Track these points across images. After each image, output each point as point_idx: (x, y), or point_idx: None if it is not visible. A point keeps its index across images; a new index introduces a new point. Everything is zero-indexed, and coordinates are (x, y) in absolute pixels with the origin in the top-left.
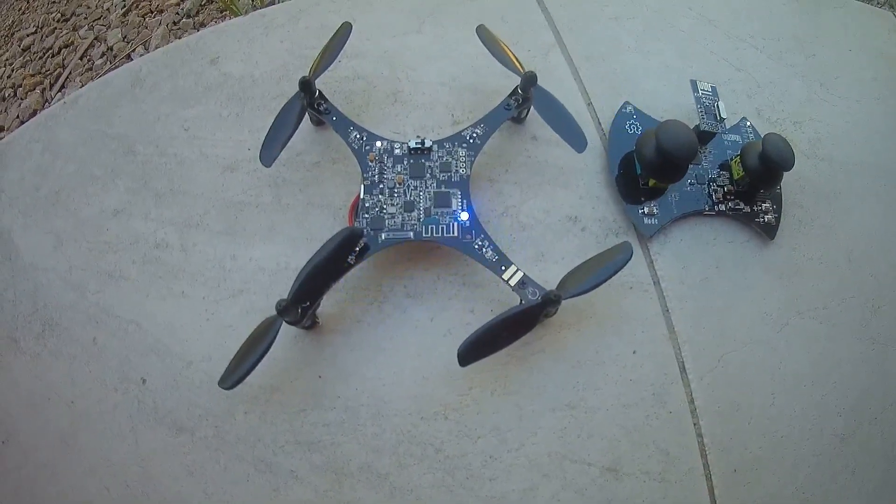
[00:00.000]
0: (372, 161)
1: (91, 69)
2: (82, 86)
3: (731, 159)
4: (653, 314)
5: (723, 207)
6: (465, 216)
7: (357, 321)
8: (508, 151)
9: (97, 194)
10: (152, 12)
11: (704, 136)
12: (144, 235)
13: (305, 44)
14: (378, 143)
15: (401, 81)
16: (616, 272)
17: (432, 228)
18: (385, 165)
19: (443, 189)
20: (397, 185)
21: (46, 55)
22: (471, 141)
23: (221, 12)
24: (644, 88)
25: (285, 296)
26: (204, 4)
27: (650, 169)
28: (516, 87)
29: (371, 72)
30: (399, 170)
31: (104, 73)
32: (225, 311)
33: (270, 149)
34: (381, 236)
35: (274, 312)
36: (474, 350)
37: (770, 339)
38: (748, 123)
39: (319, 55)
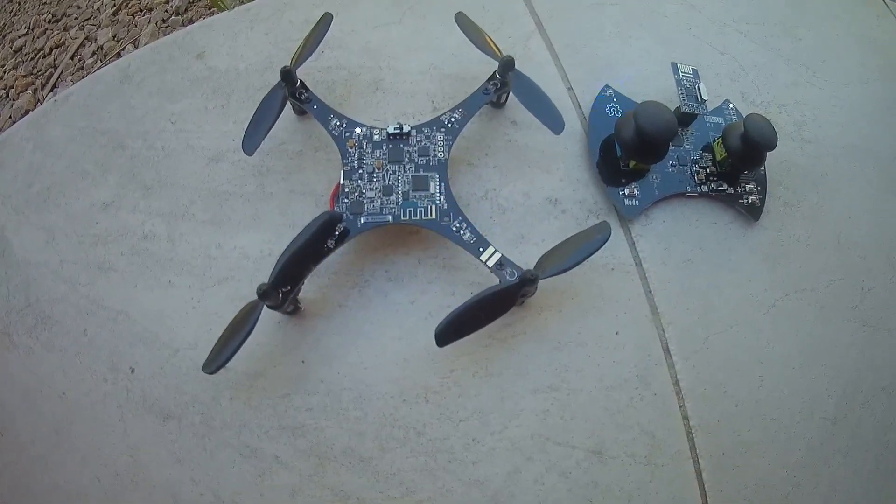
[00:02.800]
0: (352, 147)
1: (82, 68)
2: (73, 85)
3: (714, 141)
4: (635, 295)
5: (705, 189)
6: (442, 199)
7: (339, 305)
8: (488, 136)
9: (87, 189)
10: (141, 10)
11: (686, 118)
12: (133, 227)
13: (289, 36)
14: (357, 130)
15: (382, 71)
16: (594, 252)
17: (410, 212)
18: (364, 151)
19: (421, 173)
20: (376, 170)
21: (38, 56)
22: (449, 125)
23: (209, 9)
24: (625, 73)
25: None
26: (192, 1)
27: (630, 150)
28: (494, 72)
29: (353, 62)
30: (378, 155)
31: (95, 72)
32: (210, 298)
33: (253, 137)
34: (360, 220)
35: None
36: (452, 330)
37: (756, 321)
38: (731, 106)
39: (301, 45)
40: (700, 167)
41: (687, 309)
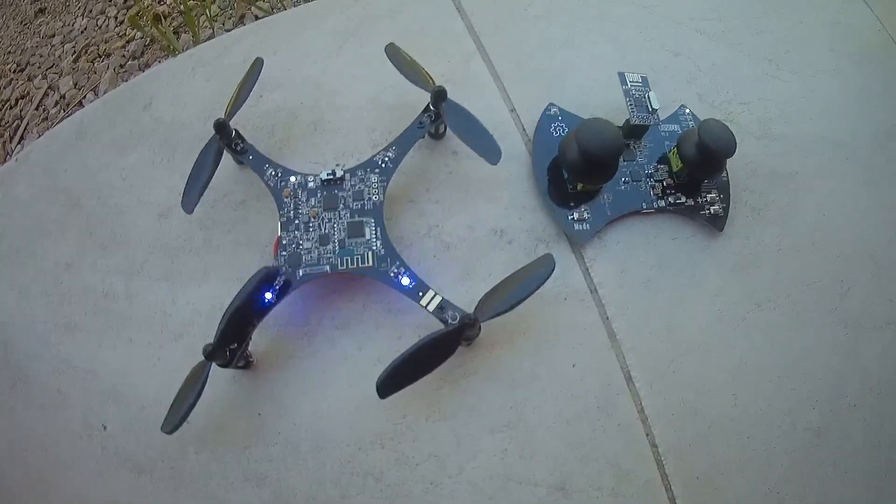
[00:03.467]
0: (287, 197)
1: (47, 118)
2: (39, 136)
3: (670, 151)
4: (591, 323)
5: (663, 203)
6: (379, 244)
7: (289, 357)
8: (429, 169)
9: (51, 248)
10: (100, 57)
11: (636, 131)
12: (93, 286)
13: (229, 80)
14: (292, 178)
15: (321, 109)
16: (537, 287)
17: (347, 260)
18: (300, 200)
19: (356, 218)
20: (312, 220)
21: (5, 107)
22: (383, 165)
23: (164, 52)
24: (573, 85)
25: None
26: (148, 45)
27: (575, 173)
28: (428, 104)
29: (292, 102)
30: (313, 203)
31: (58, 122)
32: (169, 355)
33: (191, 195)
34: (298, 272)
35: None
36: (393, 381)
37: (727, 337)
38: (687, 111)
39: (234, 94)
40: (656, 181)
41: (649, 332)
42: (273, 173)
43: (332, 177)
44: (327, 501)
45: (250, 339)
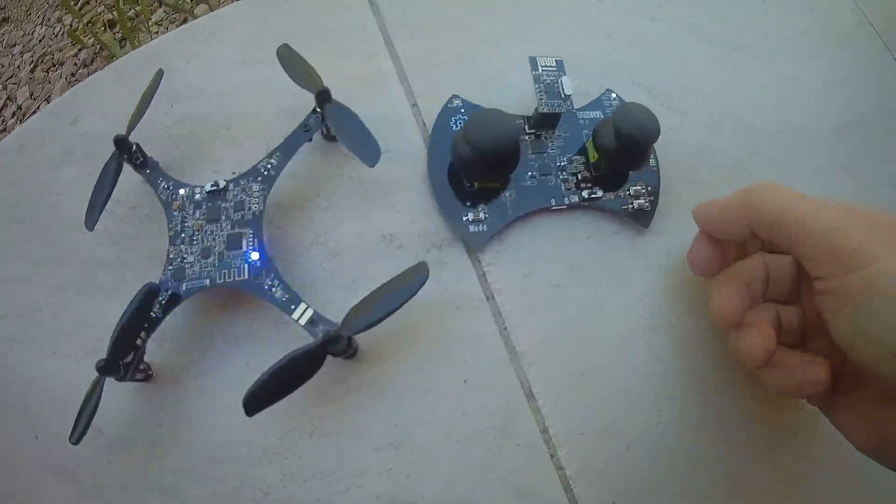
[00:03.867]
0: (176, 210)
1: (5, 129)
2: None
3: (588, 141)
4: (487, 335)
5: (576, 199)
6: (255, 256)
7: (185, 369)
8: (321, 173)
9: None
10: (54, 66)
11: (547, 119)
12: (27, 300)
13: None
14: (181, 191)
15: (225, 117)
16: (409, 298)
17: (226, 273)
18: (187, 213)
19: (235, 230)
20: (196, 232)
21: None
22: (265, 173)
23: (111, 59)
24: (488, 76)
25: None
26: (97, 52)
27: (469, 170)
28: (314, 107)
29: (198, 111)
30: (198, 216)
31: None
32: (88, 367)
33: (92, 212)
34: (182, 287)
35: None
36: (258, 399)
37: (652, 346)
38: (613, 95)
39: (136, 108)
40: (570, 174)
41: (556, 343)
42: (165, 186)
43: (215, 188)
44: None
45: (143, 352)
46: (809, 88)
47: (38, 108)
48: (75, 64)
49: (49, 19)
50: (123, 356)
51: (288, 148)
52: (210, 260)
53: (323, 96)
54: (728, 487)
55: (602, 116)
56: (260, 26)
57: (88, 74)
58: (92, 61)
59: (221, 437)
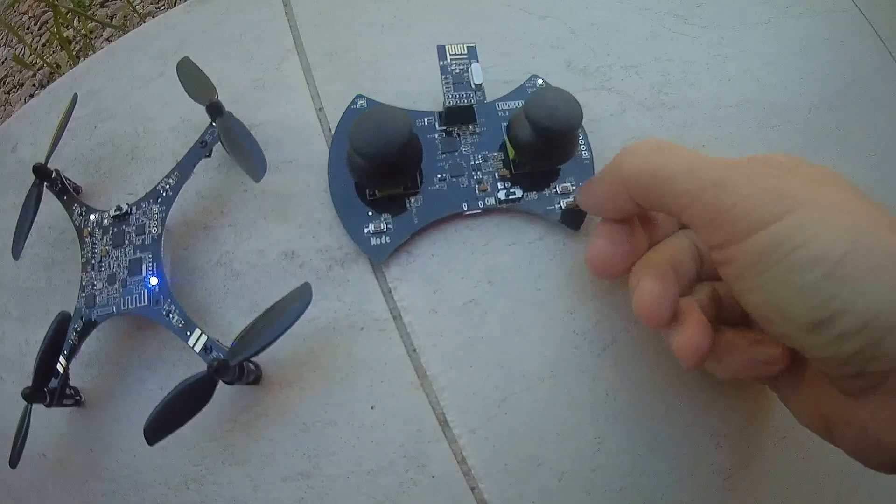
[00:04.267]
0: (87, 236)
1: None
2: None
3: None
4: (394, 357)
5: (492, 202)
6: (154, 280)
7: (109, 394)
8: (226, 190)
9: None
10: (15, 87)
11: (458, 114)
12: None
13: (75, 115)
14: (91, 217)
15: (139, 136)
16: (292, 323)
17: (128, 300)
18: (96, 239)
19: (136, 255)
20: (103, 258)
21: None
22: (164, 194)
23: None
24: (398, 72)
25: None
26: (52, 72)
27: (364, 177)
28: (210, 121)
29: (118, 131)
30: (105, 241)
31: None
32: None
33: (16, 241)
34: (93, 314)
35: None
36: (157, 429)
37: (584, 366)
38: (539, 81)
39: (53, 135)
40: (485, 174)
41: (472, 366)
42: (79, 213)
43: (119, 212)
44: None
45: (67, 378)
46: (768, 58)
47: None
48: (33, 85)
49: (11, 40)
50: (47, 383)
51: (185, 166)
52: (115, 286)
53: (214, 109)
54: None
55: None
56: (180, 39)
57: None
58: (48, 82)
59: (142, 463)
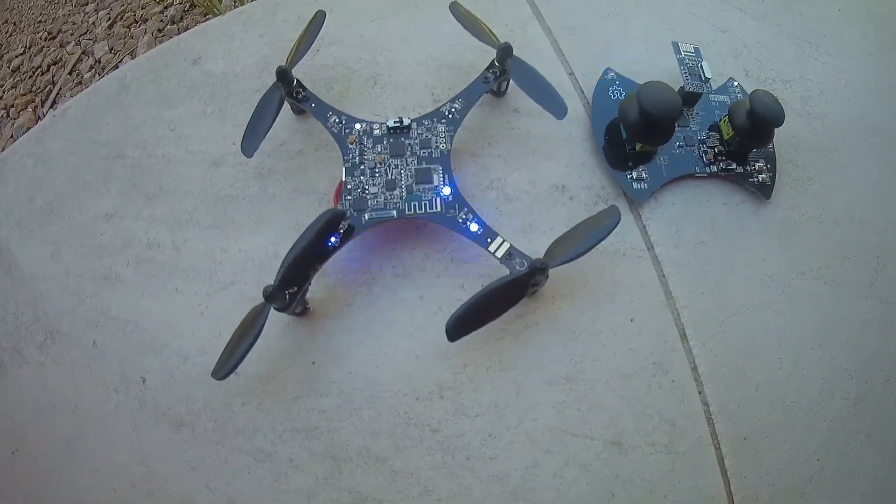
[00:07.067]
0: (352, 143)
1: (81, 83)
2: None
3: (721, 119)
4: (648, 280)
5: (714, 168)
6: (447, 190)
7: (347, 304)
8: (491, 125)
9: (90, 200)
10: (137, 22)
11: (690, 98)
12: (137, 236)
13: (283, 36)
14: (357, 125)
15: (379, 65)
16: (604, 237)
17: (415, 205)
18: (365, 147)
19: (424, 165)
20: (378, 165)
21: (36, 74)
22: (450, 116)
23: (204, 16)
24: (626, 54)
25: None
26: (188, 10)
27: (635, 132)
28: (493, 60)
29: (350, 57)
30: (379, 150)
31: (92, 85)
32: (217, 303)
33: (251, 139)
34: (364, 216)
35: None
36: (462, 324)
37: (773, 302)
38: (735, 84)
39: (295, 44)
40: (708, 147)
41: (702, 292)
42: (337, 120)
43: (398, 125)
44: (381, 453)
45: (310, 284)
46: (872, 86)
47: (119, 62)
48: (162, 21)
49: None
50: (292, 285)
51: (470, 95)
52: (396, 192)
53: (505, 52)
54: (855, 429)
55: (728, 101)
56: None
57: (178, 31)
58: (181, 18)
59: (383, 374)
